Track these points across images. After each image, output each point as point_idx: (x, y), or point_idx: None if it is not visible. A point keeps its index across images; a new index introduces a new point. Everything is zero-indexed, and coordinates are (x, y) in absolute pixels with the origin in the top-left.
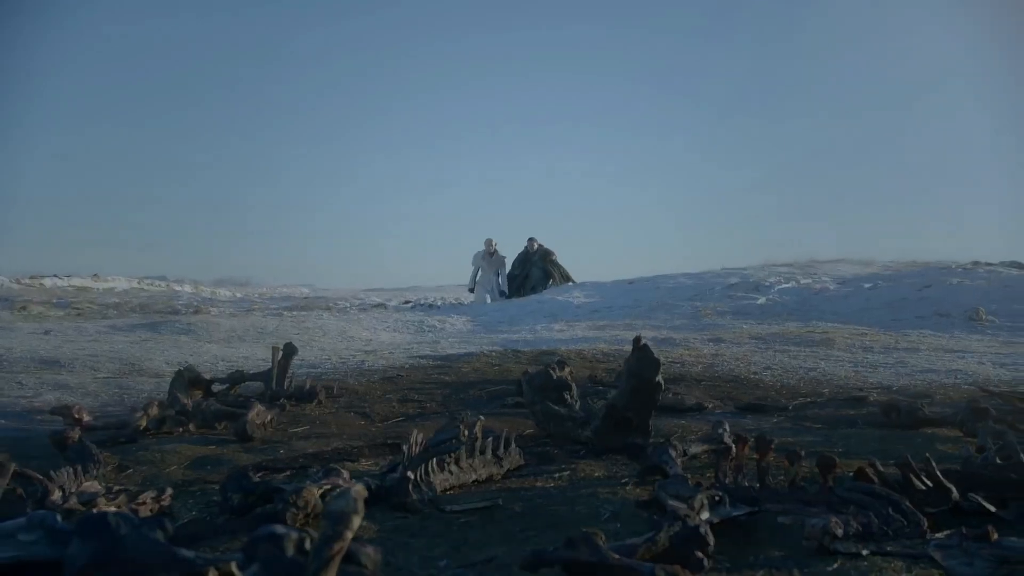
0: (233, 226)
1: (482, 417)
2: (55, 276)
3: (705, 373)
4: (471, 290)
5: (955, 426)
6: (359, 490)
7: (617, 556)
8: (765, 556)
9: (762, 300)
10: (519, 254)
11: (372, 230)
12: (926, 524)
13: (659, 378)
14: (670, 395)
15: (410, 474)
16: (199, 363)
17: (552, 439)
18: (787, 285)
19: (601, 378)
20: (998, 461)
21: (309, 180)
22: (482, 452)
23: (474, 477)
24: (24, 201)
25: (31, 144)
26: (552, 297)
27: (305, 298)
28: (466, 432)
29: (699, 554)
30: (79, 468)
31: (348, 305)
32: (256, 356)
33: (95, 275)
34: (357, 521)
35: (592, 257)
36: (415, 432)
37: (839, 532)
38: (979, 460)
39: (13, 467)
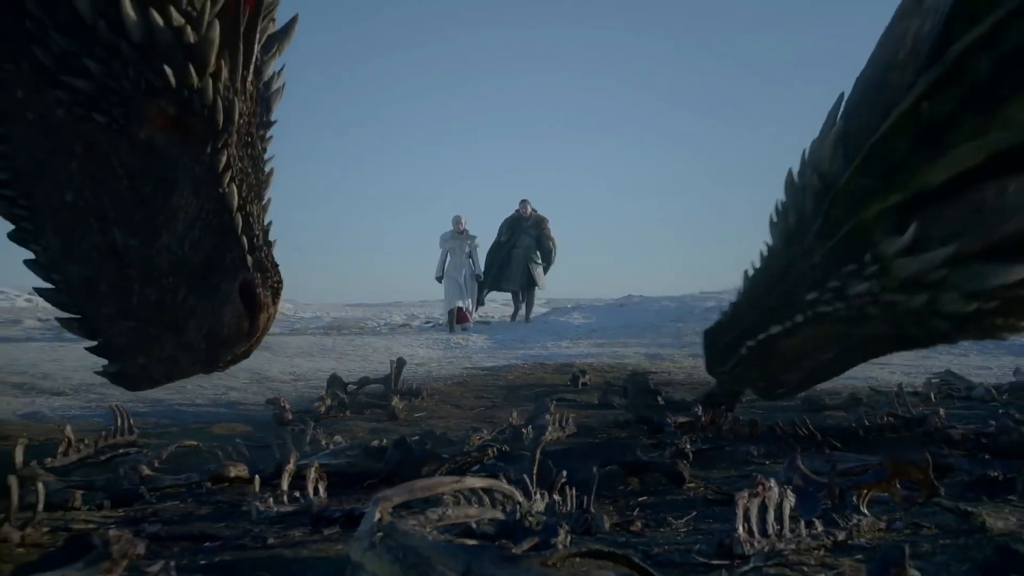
0: None
1: (555, 401)
2: None
3: (687, 380)
4: (439, 279)
5: (843, 409)
6: (548, 418)
7: (646, 458)
8: (717, 466)
9: None
10: (508, 217)
11: (351, 244)
12: (799, 449)
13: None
14: (662, 393)
15: (524, 429)
16: (300, 372)
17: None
18: None
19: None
20: (852, 424)
21: (288, 194)
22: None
23: (550, 438)
24: None
25: None
26: (555, 319)
27: (335, 318)
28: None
29: (683, 462)
30: (322, 431)
31: (376, 325)
32: (340, 367)
33: None
34: (551, 430)
35: (580, 273)
36: (513, 411)
37: (755, 452)
38: (846, 424)
39: (312, 425)
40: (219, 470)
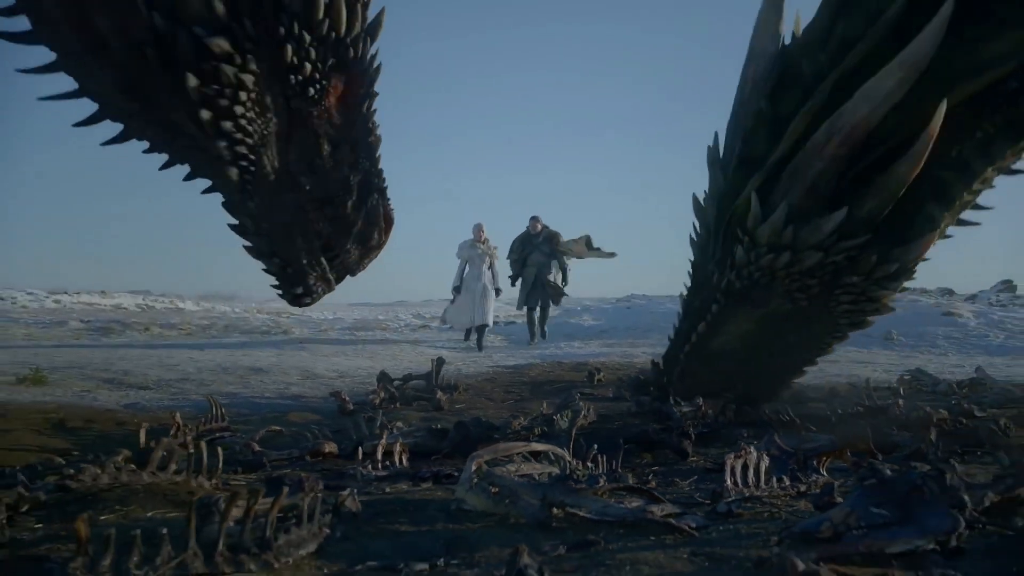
0: (213, 240)
1: (579, 393)
2: (65, 293)
3: None
4: (456, 289)
5: (822, 400)
6: (581, 404)
7: (658, 437)
8: (714, 445)
9: None
10: (518, 236)
11: None
12: (781, 432)
13: None
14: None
15: (555, 416)
16: (343, 370)
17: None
18: None
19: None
20: (828, 412)
21: None
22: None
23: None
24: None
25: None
26: (566, 320)
27: (356, 319)
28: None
29: (687, 441)
30: (384, 420)
31: (397, 327)
32: (376, 365)
33: (103, 291)
34: (583, 414)
35: (584, 272)
36: (543, 403)
37: (746, 434)
38: (822, 412)
39: (380, 413)
40: (316, 446)
